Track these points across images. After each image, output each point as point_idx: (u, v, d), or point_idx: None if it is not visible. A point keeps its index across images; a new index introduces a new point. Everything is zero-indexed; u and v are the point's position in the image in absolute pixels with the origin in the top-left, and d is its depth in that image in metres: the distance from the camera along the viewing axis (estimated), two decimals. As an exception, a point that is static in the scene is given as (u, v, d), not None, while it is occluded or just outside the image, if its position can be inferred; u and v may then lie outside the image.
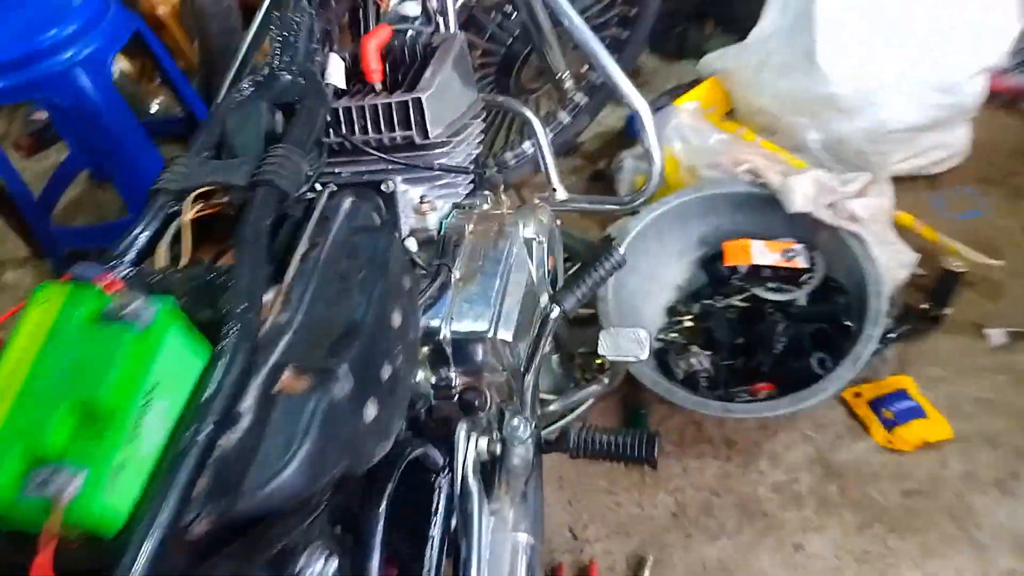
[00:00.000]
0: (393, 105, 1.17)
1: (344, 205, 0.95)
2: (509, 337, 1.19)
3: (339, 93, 1.20)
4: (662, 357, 1.96)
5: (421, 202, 1.26)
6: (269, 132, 0.96)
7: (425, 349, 1.18)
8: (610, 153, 2.59)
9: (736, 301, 1.98)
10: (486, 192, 1.38)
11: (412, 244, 1.26)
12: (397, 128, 1.18)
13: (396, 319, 0.90)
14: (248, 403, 0.74)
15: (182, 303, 0.76)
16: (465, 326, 1.18)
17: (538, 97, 2.41)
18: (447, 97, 1.24)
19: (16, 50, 2.10)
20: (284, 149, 0.89)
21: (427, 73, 1.21)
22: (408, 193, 1.25)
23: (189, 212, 0.87)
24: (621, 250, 1.18)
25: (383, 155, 1.18)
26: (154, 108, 3.21)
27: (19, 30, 2.14)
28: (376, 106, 1.17)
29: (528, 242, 1.31)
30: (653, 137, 1.49)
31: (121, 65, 3.09)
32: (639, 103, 1.48)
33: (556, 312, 1.32)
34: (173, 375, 0.67)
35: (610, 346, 1.36)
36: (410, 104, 1.16)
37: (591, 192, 2.51)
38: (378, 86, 1.25)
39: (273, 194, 0.86)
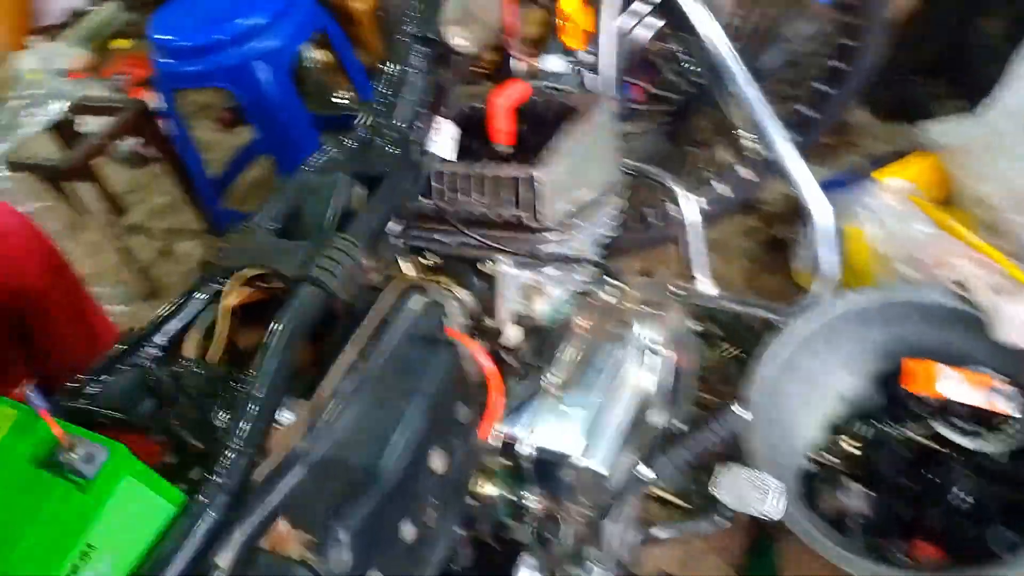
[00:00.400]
0: (503, 179, 1.01)
1: (413, 309, 0.81)
2: (603, 470, 1.00)
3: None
4: (809, 483, 1.67)
5: (531, 286, 1.10)
6: (344, 210, 0.83)
7: (503, 460, 1.02)
8: (795, 218, 2.29)
9: (914, 434, 1.64)
10: (612, 280, 1.19)
11: (515, 333, 1.11)
12: (506, 205, 1.02)
13: (439, 463, 0.74)
14: (227, 555, 0.61)
15: (178, 411, 0.66)
16: (551, 444, 1.01)
17: (714, 149, 2.17)
18: (573, 175, 1.06)
19: (204, 37, 2.20)
20: (344, 243, 0.76)
21: (551, 144, 1.05)
22: (516, 276, 1.09)
23: (231, 296, 0.76)
24: (746, 414, 0.96)
25: (475, 235, 1.03)
26: (342, 99, 3.27)
27: (210, 18, 2.24)
28: (483, 177, 1.02)
29: (648, 350, 1.11)
30: (828, 244, 1.23)
31: (315, 54, 3.18)
32: (815, 203, 1.22)
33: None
34: (121, 532, 0.55)
35: (727, 489, 1.13)
36: (520, 182, 1.00)
37: (761, 263, 2.23)
38: (505, 148, 1.10)
39: (318, 297, 0.73)
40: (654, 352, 1.10)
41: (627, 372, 1.09)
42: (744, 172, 2.26)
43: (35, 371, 1.53)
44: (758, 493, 1.11)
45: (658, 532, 1.30)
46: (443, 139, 0.96)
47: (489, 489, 1.02)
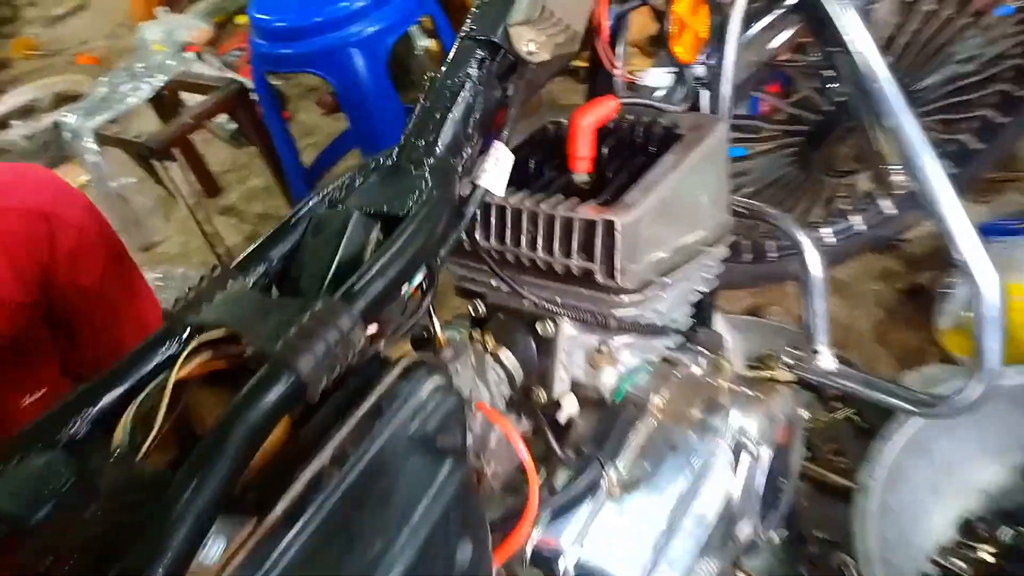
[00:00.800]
0: (575, 222, 0.80)
1: (417, 394, 0.61)
2: (662, 606, 0.78)
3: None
4: (931, 592, 1.38)
5: (597, 351, 0.88)
6: (353, 259, 0.64)
7: (537, 572, 0.82)
8: (941, 263, 1.96)
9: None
10: (702, 350, 0.96)
11: (571, 404, 0.90)
12: (575, 255, 0.81)
13: None
14: None
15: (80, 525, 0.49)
16: (601, 564, 0.79)
17: (856, 182, 1.86)
18: (668, 222, 0.84)
19: (300, 18, 2.07)
20: (333, 309, 0.57)
21: (642, 181, 0.82)
22: (580, 339, 0.88)
23: (185, 366, 0.58)
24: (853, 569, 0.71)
25: (524, 291, 0.82)
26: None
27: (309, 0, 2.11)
28: (547, 216, 0.80)
29: (741, 447, 0.87)
30: (992, 323, 0.95)
31: (425, 43, 3.04)
32: (982, 272, 0.94)
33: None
34: None
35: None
36: (598, 227, 0.78)
37: (896, 314, 1.91)
38: (583, 177, 0.89)
39: (285, 382, 0.54)
40: (749, 448, 0.86)
41: (713, 473, 0.86)
42: (884, 204, 1.95)
43: (70, 361, 1.44)
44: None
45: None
46: (498, 170, 0.75)
47: (519, 606, 0.82)
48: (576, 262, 0.81)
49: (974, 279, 0.95)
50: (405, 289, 0.69)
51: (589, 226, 0.80)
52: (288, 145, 2.45)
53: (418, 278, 0.70)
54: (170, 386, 0.58)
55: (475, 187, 0.74)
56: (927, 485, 1.46)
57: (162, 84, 2.47)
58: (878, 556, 1.32)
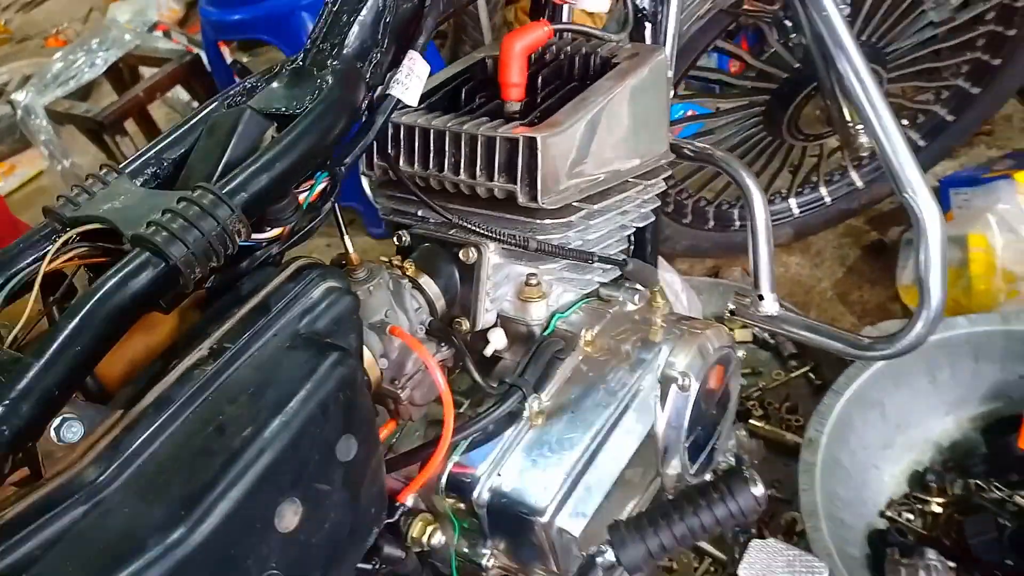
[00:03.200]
0: (497, 141, 0.77)
1: (308, 294, 0.59)
2: (576, 531, 0.76)
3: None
4: (879, 547, 1.37)
5: (527, 284, 0.86)
6: (241, 157, 0.62)
7: (457, 504, 0.80)
8: (905, 219, 1.94)
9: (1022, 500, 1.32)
10: (638, 287, 0.93)
11: (498, 337, 0.87)
12: (497, 176, 0.78)
13: (289, 518, 0.52)
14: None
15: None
16: (515, 491, 0.77)
17: (826, 147, 1.84)
18: (595, 144, 0.81)
19: None
20: (209, 198, 0.54)
21: (571, 104, 0.80)
22: (506, 268, 0.86)
23: (51, 259, 0.56)
24: (759, 490, 0.69)
25: (439, 209, 0.79)
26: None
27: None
28: (468, 137, 0.78)
29: (669, 382, 0.85)
30: (936, 260, 0.93)
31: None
32: (926, 210, 0.92)
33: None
34: None
35: (759, 572, 0.86)
36: (520, 146, 0.76)
37: (859, 272, 1.89)
38: (515, 106, 0.86)
39: (153, 268, 0.52)
40: (680, 384, 0.84)
41: (637, 405, 0.84)
42: (855, 176, 1.93)
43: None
44: (795, 584, 0.85)
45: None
46: (412, 81, 0.73)
47: (436, 539, 0.80)
48: (498, 184, 0.78)
49: (918, 215, 0.93)
50: (306, 195, 0.66)
51: (511, 145, 0.77)
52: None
53: (321, 185, 0.67)
54: (39, 276, 0.55)
55: (386, 96, 0.71)
56: (878, 439, 1.45)
57: (116, 58, 2.42)
58: (825, 512, 1.30)
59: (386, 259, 0.83)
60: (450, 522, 0.81)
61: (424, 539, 0.79)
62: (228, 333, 0.56)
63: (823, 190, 1.94)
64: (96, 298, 0.50)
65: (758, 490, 0.69)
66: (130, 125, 2.28)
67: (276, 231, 0.63)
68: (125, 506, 0.49)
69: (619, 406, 0.82)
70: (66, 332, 0.48)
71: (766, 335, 1.76)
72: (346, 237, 0.74)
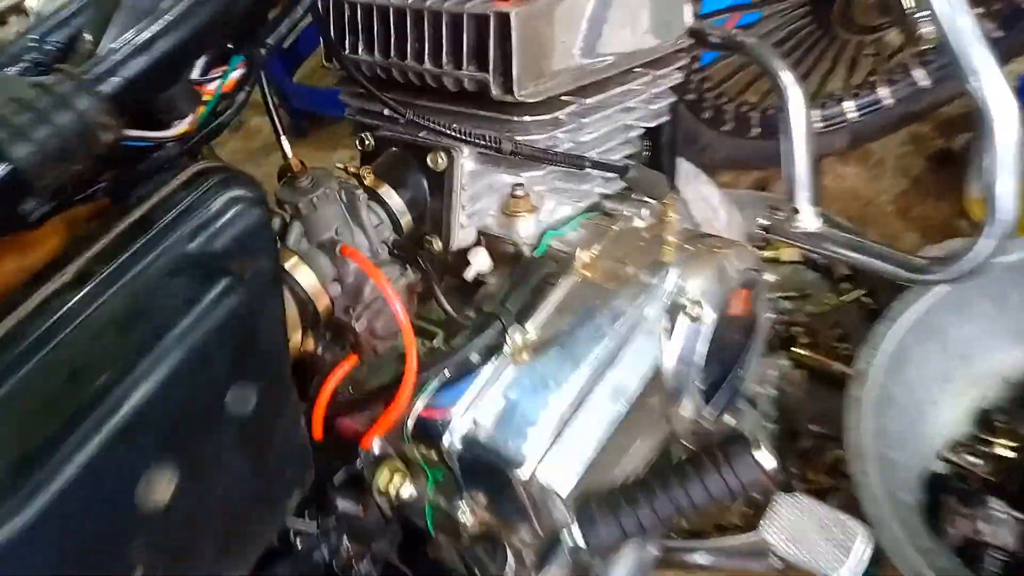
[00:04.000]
0: (464, 19, 0.63)
1: (205, 206, 0.47)
2: (562, 488, 0.65)
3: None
4: (936, 493, 1.23)
5: (513, 195, 0.73)
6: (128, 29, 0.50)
7: (428, 452, 0.69)
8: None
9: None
10: (648, 200, 0.79)
11: (480, 258, 0.75)
12: (466, 63, 0.65)
13: (159, 489, 0.42)
14: None
15: None
16: (491, 438, 0.66)
17: (883, 41, 1.62)
18: (586, 21, 0.66)
19: None
20: (62, 82, 0.43)
21: (554, -30, 0.65)
22: (486, 177, 0.73)
23: None
24: (765, 459, 0.56)
25: (390, 103, 0.66)
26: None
27: None
28: (433, 16, 0.64)
29: (677, 309, 0.72)
30: (1008, 165, 0.77)
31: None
32: (997, 102, 0.75)
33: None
34: None
35: (784, 529, 0.74)
36: (491, 24, 0.62)
37: (924, 184, 1.70)
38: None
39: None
40: (687, 310, 0.71)
41: (639, 337, 0.71)
42: (918, 74, 1.71)
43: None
44: (831, 546, 0.72)
45: (685, 553, 0.94)
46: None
47: (407, 490, 0.70)
48: (468, 72, 0.65)
49: (986, 110, 0.76)
50: (217, 83, 0.54)
51: (481, 23, 0.63)
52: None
53: (236, 72, 0.55)
54: None
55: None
56: (938, 372, 1.29)
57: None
58: (874, 452, 1.17)
59: (341, 166, 0.71)
60: (423, 472, 0.71)
61: (392, 490, 0.69)
62: (100, 254, 0.45)
63: (883, 91, 1.73)
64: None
65: (764, 458, 0.56)
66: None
67: (176, 129, 0.52)
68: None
69: (617, 339, 0.70)
70: None
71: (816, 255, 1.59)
72: (283, 138, 0.62)
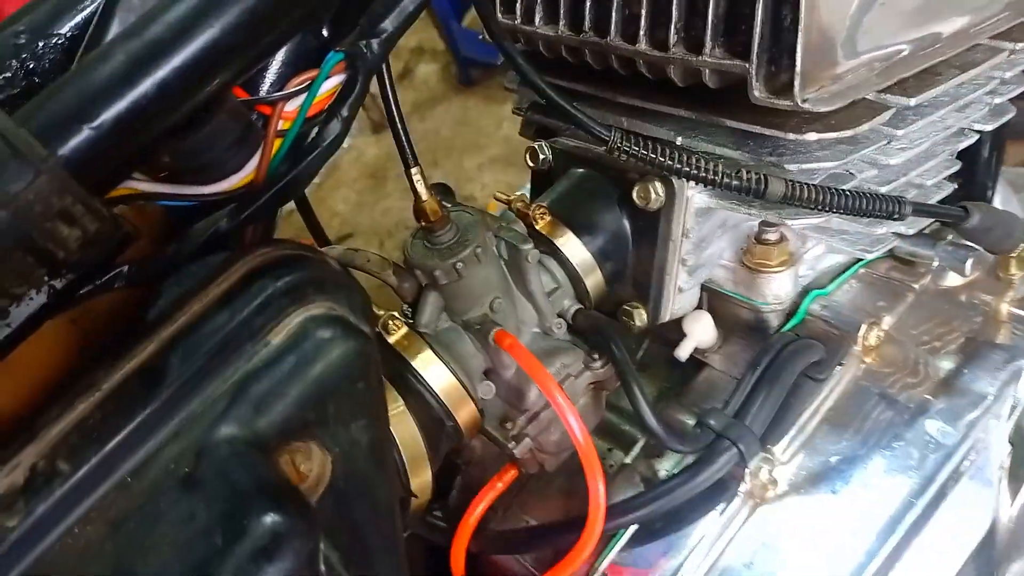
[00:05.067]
0: (711, -26, 0.37)
1: (269, 336, 0.26)
2: None
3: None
4: None
5: (758, 239, 0.48)
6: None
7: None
8: None
9: None
10: (966, 244, 0.51)
11: (700, 330, 0.50)
12: (709, 43, 0.39)
13: None
14: None
15: None
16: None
17: None
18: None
19: None
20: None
21: None
22: (718, 215, 0.47)
23: None
24: None
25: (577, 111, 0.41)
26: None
27: None
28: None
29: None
30: None
31: None
32: None
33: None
34: None
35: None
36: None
37: None
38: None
39: None
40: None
41: (970, 477, 0.44)
42: None
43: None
44: None
45: None
46: None
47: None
48: (712, 59, 0.39)
49: None
50: (301, 101, 0.32)
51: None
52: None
53: (330, 81, 0.33)
54: None
55: None
56: None
57: None
58: None
59: (504, 198, 0.48)
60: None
61: None
62: (73, 432, 0.25)
63: None
64: None
65: None
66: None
67: (231, 182, 0.31)
68: None
69: (932, 481, 0.44)
70: None
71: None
72: (412, 169, 0.40)
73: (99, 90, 0.25)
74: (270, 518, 0.23)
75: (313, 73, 0.33)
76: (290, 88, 0.32)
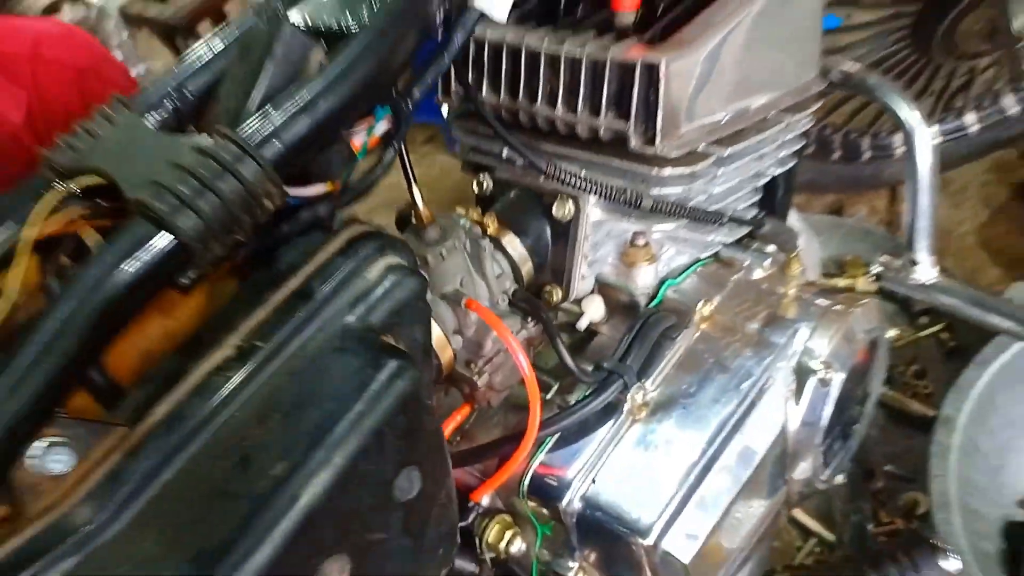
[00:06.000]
0: (607, 66, 0.60)
1: (362, 274, 0.45)
2: (686, 556, 0.62)
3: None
4: (1015, 541, 1.19)
5: (632, 244, 0.70)
6: (280, 88, 0.47)
7: (540, 508, 0.67)
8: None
9: None
10: (766, 246, 0.76)
11: (596, 307, 0.72)
12: (604, 111, 0.62)
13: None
14: None
15: None
16: (612, 503, 0.64)
17: (978, 67, 1.56)
18: (731, 72, 0.63)
19: None
20: (226, 146, 0.40)
21: (700, 17, 0.62)
22: (608, 225, 0.70)
23: (44, 222, 0.43)
24: (952, 566, 0.52)
25: (526, 153, 0.63)
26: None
27: None
28: (571, 61, 0.61)
29: (808, 373, 0.69)
30: None
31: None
32: None
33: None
34: None
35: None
36: (636, 72, 0.59)
37: (1006, 214, 1.64)
38: (628, 18, 0.68)
39: (153, 243, 0.39)
40: (817, 373, 0.68)
41: (767, 399, 0.68)
42: (1007, 101, 1.64)
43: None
44: None
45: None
46: (498, -16, 0.56)
47: (516, 545, 0.67)
48: (606, 122, 0.62)
49: None
50: (363, 139, 0.52)
51: (625, 71, 0.60)
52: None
53: (382, 125, 0.52)
54: (24, 245, 0.43)
55: (466, 7, 0.55)
56: (1021, 418, 1.25)
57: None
58: (958, 500, 1.13)
59: (462, 210, 0.68)
60: (532, 526, 0.68)
61: (502, 545, 0.67)
62: (260, 326, 0.43)
63: (969, 117, 1.67)
64: (86, 285, 0.38)
65: (952, 565, 0.53)
66: (206, 27, 2.14)
67: (323, 187, 0.49)
68: (124, 560, 0.37)
69: (744, 400, 0.67)
70: (50, 329, 0.36)
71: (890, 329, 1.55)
72: (414, 187, 0.60)
73: (283, 124, 0.43)
74: (393, 359, 0.42)
75: (370, 120, 0.52)
76: (357, 128, 0.51)
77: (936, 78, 1.54)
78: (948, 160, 1.72)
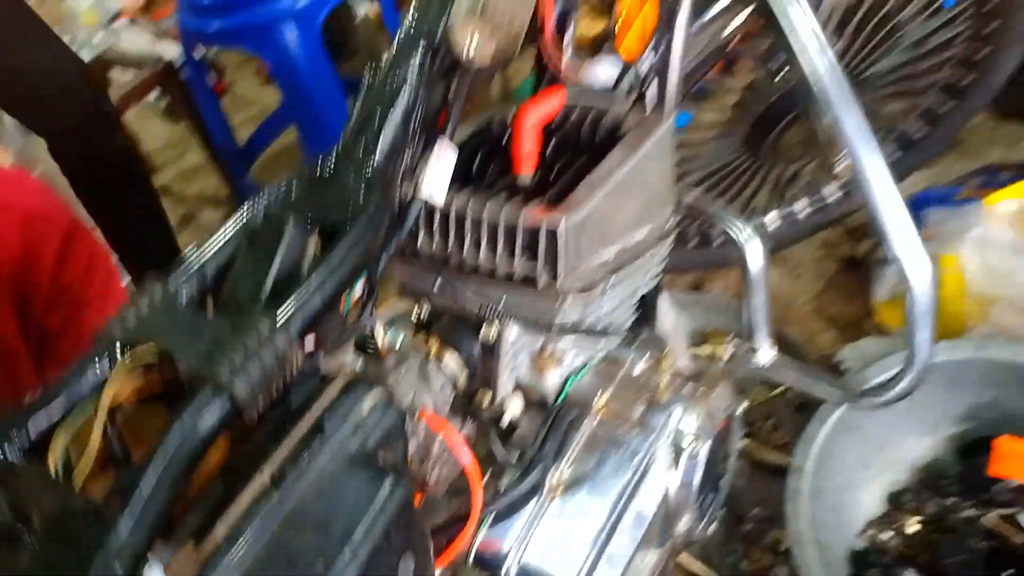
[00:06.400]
0: (519, 227, 0.79)
1: (357, 410, 0.61)
2: (604, 602, 0.80)
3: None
4: (859, 567, 1.44)
5: (541, 354, 0.89)
6: (289, 273, 0.63)
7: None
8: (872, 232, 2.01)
9: (991, 523, 1.39)
10: (644, 348, 0.97)
11: (516, 405, 0.90)
12: (518, 259, 0.81)
13: None
14: None
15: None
16: (541, 567, 0.81)
17: (802, 168, 1.88)
18: (612, 223, 0.84)
19: None
20: (269, 329, 0.56)
21: (585, 182, 0.82)
22: (523, 340, 0.88)
23: (115, 385, 0.57)
24: None
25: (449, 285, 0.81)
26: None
27: (237, -26, 2.02)
28: (489, 223, 0.80)
29: (680, 442, 0.89)
30: (923, 321, 0.98)
31: (364, 9, 2.97)
32: (916, 273, 0.97)
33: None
34: None
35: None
36: (541, 233, 0.78)
37: (836, 285, 1.95)
38: (527, 180, 0.88)
39: (220, 407, 0.53)
40: (688, 446, 0.88)
41: (652, 470, 0.88)
42: (831, 192, 1.98)
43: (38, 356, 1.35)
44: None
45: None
46: (440, 175, 0.74)
47: (460, 607, 0.83)
48: (519, 267, 0.80)
49: (907, 277, 0.97)
50: (345, 301, 0.68)
51: (532, 230, 0.79)
52: (221, 123, 2.37)
53: (358, 290, 0.69)
54: (102, 410, 0.56)
55: (415, 197, 0.73)
56: (858, 461, 1.51)
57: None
58: (811, 538, 1.36)
59: (408, 333, 0.85)
60: (476, 591, 0.84)
61: (446, 608, 0.82)
62: (287, 458, 0.58)
63: (799, 204, 1.99)
64: (175, 444, 0.51)
65: None
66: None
67: (312, 344, 0.65)
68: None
69: (636, 473, 0.86)
70: (151, 481, 0.50)
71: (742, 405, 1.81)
72: (379, 328, 0.76)
73: (304, 303, 0.59)
74: (389, 475, 0.57)
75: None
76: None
77: (769, 177, 1.85)
78: (785, 240, 2.04)
